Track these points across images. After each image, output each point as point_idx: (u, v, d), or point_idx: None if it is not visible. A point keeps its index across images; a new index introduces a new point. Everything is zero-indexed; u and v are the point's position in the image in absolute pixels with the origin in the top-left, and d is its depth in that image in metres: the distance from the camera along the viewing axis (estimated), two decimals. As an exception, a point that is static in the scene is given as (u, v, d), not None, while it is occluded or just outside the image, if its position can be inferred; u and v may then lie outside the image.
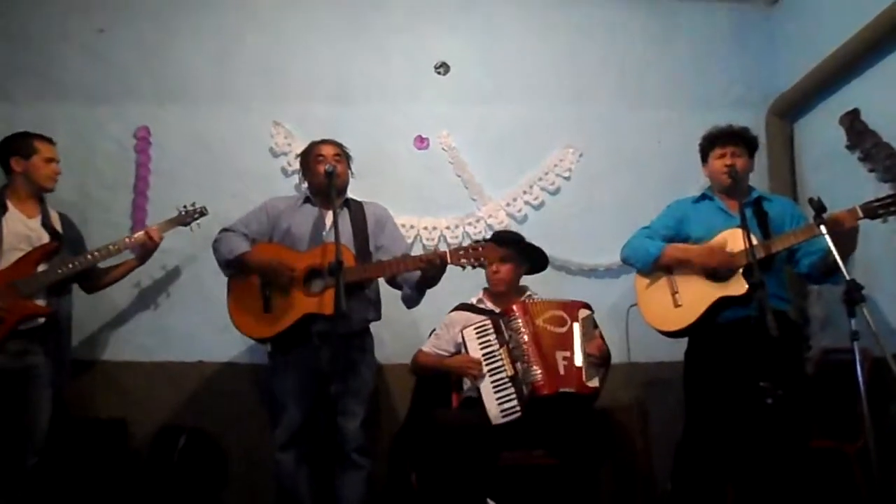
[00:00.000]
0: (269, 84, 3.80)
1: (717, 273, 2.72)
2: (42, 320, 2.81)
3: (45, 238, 2.91)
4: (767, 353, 2.36)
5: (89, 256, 2.96)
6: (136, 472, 3.24)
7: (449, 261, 2.67)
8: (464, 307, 3.12)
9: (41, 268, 2.85)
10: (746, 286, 2.60)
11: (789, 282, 2.89)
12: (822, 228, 2.34)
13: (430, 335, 3.16)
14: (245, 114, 3.77)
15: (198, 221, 3.31)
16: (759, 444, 2.52)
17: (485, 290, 3.17)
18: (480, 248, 2.68)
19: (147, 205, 3.67)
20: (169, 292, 3.62)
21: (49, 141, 3.00)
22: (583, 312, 2.93)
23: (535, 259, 3.18)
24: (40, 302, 2.82)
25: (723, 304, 2.69)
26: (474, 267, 2.68)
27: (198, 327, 3.55)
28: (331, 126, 3.61)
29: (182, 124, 3.75)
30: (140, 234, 3.14)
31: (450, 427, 2.72)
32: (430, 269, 2.70)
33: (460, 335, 2.94)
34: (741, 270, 2.65)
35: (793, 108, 3.76)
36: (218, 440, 3.36)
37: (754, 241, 2.52)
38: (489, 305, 3.09)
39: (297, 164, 3.64)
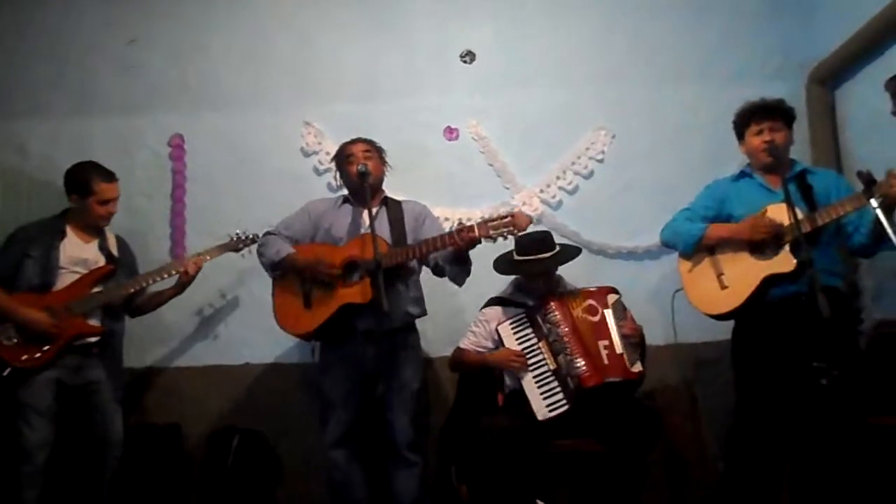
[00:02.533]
0: (297, 85, 3.83)
1: (765, 247, 2.64)
2: (96, 339, 2.93)
3: (102, 262, 3.02)
4: (820, 332, 2.31)
5: (140, 281, 3.06)
6: (192, 476, 3.33)
7: (478, 234, 2.62)
8: (496, 301, 3.09)
9: (96, 289, 2.97)
10: (794, 262, 2.56)
11: (839, 254, 2.80)
12: (873, 201, 2.27)
13: (467, 333, 3.12)
14: (275, 116, 3.80)
15: (249, 249, 3.33)
16: (816, 424, 2.45)
17: (515, 281, 3.13)
18: (509, 218, 2.62)
19: (185, 211, 3.75)
20: (214, 299, 3.70)
21: (110, 179, 3.01)
22: (611, 297, 2.90)
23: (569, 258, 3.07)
24: (94, 322, 2.93)
25: (771, 281, 2.63)
26: (505, 238, 2.64)
27: (243, 330, 3.62)
28: (359, 123, 3.61)
29: (214, 130, 3.80)
30: (178, 263, 3.19)
31: (495, 437, 2.68)
32: (462, 243, 2.65)
33: (496, 331, 2.92)
34: (788, 246, 2.59)
35: (833, 74, 3.62)
36: (270, 440, 3.41)
37: (800, 216, 2.45)
38: (522, 298, 3.04)
39: (328, 163, 3.69)
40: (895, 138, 3.17)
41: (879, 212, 2.25)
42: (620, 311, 2.89)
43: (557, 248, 2.98)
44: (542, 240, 2.98)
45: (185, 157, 3.78)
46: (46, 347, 2.81)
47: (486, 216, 3.55)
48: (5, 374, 2.75)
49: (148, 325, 3.55)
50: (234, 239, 3.34)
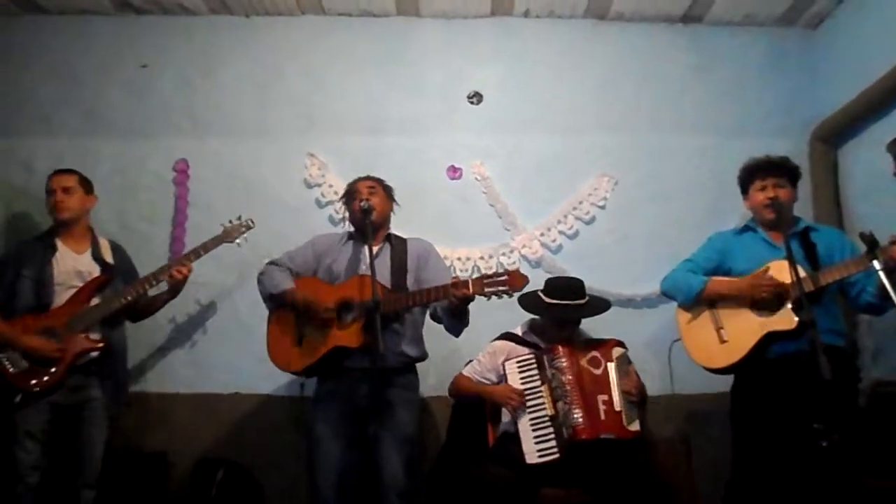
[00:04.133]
0: (304, 117, 3.86)
1: (765, 304, 2.64)
2: (97, 353, 2.89)
3: (96, 271, 2.98)
4: (820, 392, 2.29)
5: (137, 290, 2.99)
6: (176, 505, 3.25)
7: (471, 290, 2.58)
8: (508, 336, 3.07)
9: (94, 301, 2.93)
10: (796, 320, 2.55)
11: (841, 312, 2.79)
12: (876, 263, 2.27)
13: (471, 361, 3.10)
14: (280, 146, 3.82)
15: (245, 236, 3.21)
16: (815, 486, 2.41)
17: (531, 321, 3.11)
18: (506, 277, 2.58)
19: (185, 237, 3.72)
20: (206, 324, 3.66)
21: (60, 172, 3.04)
22: (616, 351, 2.87)
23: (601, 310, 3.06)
24: (94, 335, 2.90)
25: (771, 338, 2.62)
26: (500, 297, 2.61)
27: (235, 358, 3.57)
28: (364, 157, 3.67)
29: (219, 157, 3.81)
30: (169, 267, 3.06)
31: (487, 488, 2.64)
32: (454, 299, 2.62)
33: (502, 366, 2.90)
34: (789, 304, 2.58)
35: (837, 133, 3.67)
36: (255, 473, 3.35)
37: (802, 274, 2.45)
38: (535, 339, 3.03)
39: (331, 195, 3.71)
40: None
41: (882, 275, 2.25)
42: (625, 365, 2.86)
43: (587, 297, 2.98)
44: (575, 287, 2.99)
45: (189, 183, 3.78)
46: (53, 370, 2.77)
47: (484, 256, 3.66)
48: (17, 400, 2.73)
49: (140, 349, 3.53)
50: (229, 227, 3.19)
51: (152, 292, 3.11)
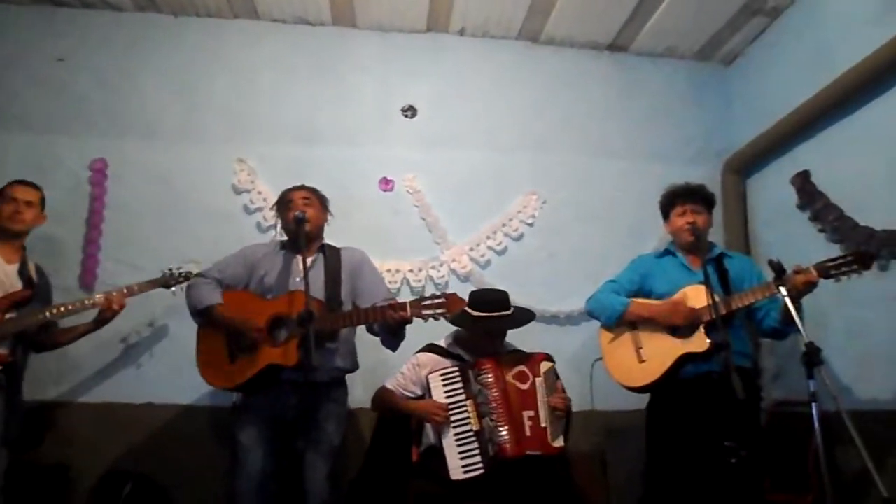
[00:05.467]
0: (234, 122, 3.78)
1: (680, 329, 2.77)
2: None
3: (19, 285, 2.81)
4: (730, 411, 2.42)
5: (60, 310, 2.83)
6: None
7: (408, 313, 2.61)
8: (433, 349, 3.05)
9: (9, 315, 2.74)
10: (708, 342, 2.69)
11: (748, 336, 2.96)
12: (782, 289, 2.43)
13: (396, 374, 3.05)
14: (208, 150, 3.72)
15: (181, 285, 3.07)
16: (720, 500, 2.54)
17: (456, 333, 3.10)
18: (443, 300, 2.62)
19: (100, 238, 3.57)
20: (113, 332, 3.44)
21: (21, 183, 2.90)
22: (544, 365, 2.89)
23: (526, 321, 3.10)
24: (2, 349, 2.70)
25: (685, 359, 2.75)
26: (436, 319, 2.64)
27: (148, 367, 3.45)
28: (296, 166, 3.61)
29: (141, 158, 3.67)
30: (108, 295, 2.93)
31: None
32: (392, 321, 2.65)
33: (426, 379, 2.86)
34: (702, 327, 2.72)
35: (746, 164, 3.91)
36: (167, 488, 3.22)
37: (716, 299, 2.59)
38: (459, 351, 3.02)
39: (259, 201, 3.64)
40: (799, 228, 3.45)
41: (788, 300, 2.40)
42: (552, 380, 2.89)
43: (512, 308, 3.00)
44: (500, 299, 3.00)
45: (107, 183, 3.62)
46: None
47: (414, 269, 3.67)
48: None
49: (43, 356, 3.27)
50: (167, 275, 3.10)
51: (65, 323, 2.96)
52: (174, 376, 3.33)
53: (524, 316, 3.06)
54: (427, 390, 2.85)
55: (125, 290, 2.97)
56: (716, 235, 3.64)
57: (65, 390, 3.41)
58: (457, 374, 2.84)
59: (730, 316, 2.68)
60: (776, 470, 3.02)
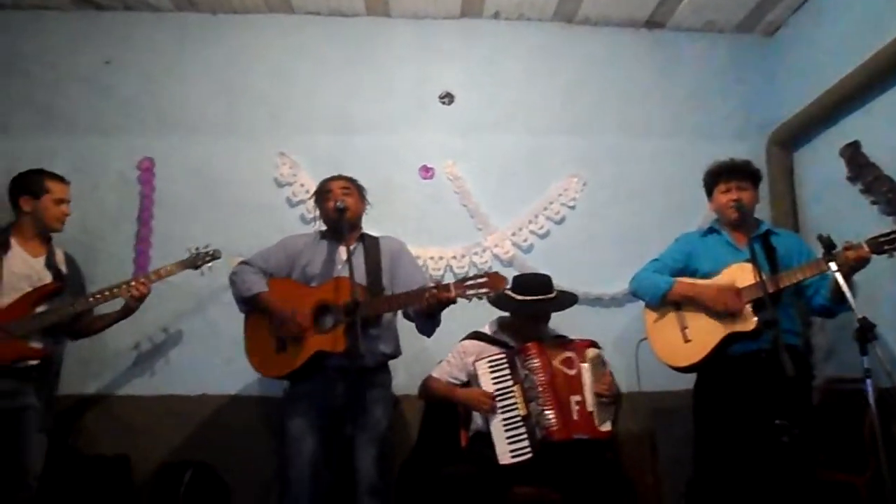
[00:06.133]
0: (274, 116, 3.83)
1: (724, 313, 2.73)
2: (35, 362, 2.75)
3: (48, 278, 2.86)
4: (780, 389, 2.39)
5: (89, 300, 2.88)
6: (142, 510, 3.21)
7: (453, 293, 2.63)
8: (478, 336, 3.08)
9: (40, 308, 2.80)
10: (755, 321, 2.65)
11: (797, 313, 2.91)
12: (832, 265, 2.37)
13: (441, 362, 3.11)
14: (250, 145, 3.78)
15: (209, 265, 3.16)
16: (772, 479, 2.52)
17: (500, 319, 3.13)
18: (486, 279, 2.63)
19: (151, 236, 3.67)
20: (173, 325, 3.61)
21: (62, 180, 2.96)
22: (591, 352, 2.90)
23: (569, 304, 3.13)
24: (35, 343, 2.76)
25: (732, 338, 2.71)
26: (480, 298, 2.66)
27: (202, 360, 3.54)
28: (336, 156, 3.65)
29: (186, 155, 3.76)
30: (129, 283, 2.95)
31: (456, 485, 2.65)
32: (434, 303, 2.66)
33: (473, 366, 2.90)
34: (750, 306, 2.68)
35: (793, 138, 3.81)
36: (223, 475, 3.32)
37: (763, 277, 2.55)
38: (505, 338, 3.05)
39: (302, 194, 3.69)
40: (848, 201, 3.35)
41: (839, 276, 2.35)
42: (599, 366, 2.90)
43: (556, 292, 3.02)
44: (543, 282, 3.03)
45: (154, 181, 3.71)
46: None
47: (456, 255, 3.69)
48: None
49: (98, 350, 3.47)
50: (194, 255, 3.12)
51: (103, 309, 3.01)
52: (227, 367, 3.42)
53: (567, 299, 3.07)
54: (474, 377, 2.88)
55: (152, 275, 3.00)
56: (762, 212, 3.56)
57: (126, 385, 3.53)
58: (504, 360, 2.86)
59: (778, 294, 2.64)
60: (830, 448, 2.96)
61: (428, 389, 3.06)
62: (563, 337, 3.06)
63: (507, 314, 3.11)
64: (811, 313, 2.92)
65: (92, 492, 3.09)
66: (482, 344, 3.03)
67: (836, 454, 2.95)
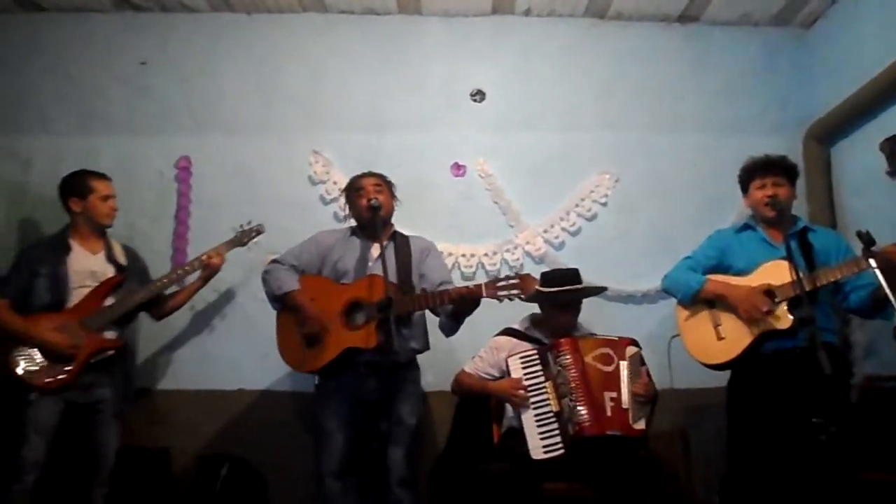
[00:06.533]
0: (307, 114, 3.88)
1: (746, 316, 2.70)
2: (111, 352, 2.93)
3: (110, 272, 3.01)
4: (816, 386, 2.36)
5: (154, 286, 3.08)
6: (180, 502, 3.28)
7: (484, 294, 2.65)
8: (510, 332, 3.10)
9: (108, 301, 2.97)
10: (791, 319, 2.61)
11: (834, 310, 2.86)
12: (872, 262, 2.33)
13: (473, 357, 3.12)
14: (284, 143, 3.84)
15: (255, 240, 3.36)
16: (809, 479, 2.48)
17: (532, 316, 3.15)
18: (517, 280, 2.65)
19: (188, 234, 3.75)
20: (211, 322, 3.69)
21: (104, 178, 3.09)
22: (630, 350, 2.89)
23: (597, 292, 3.20)
24: (109, 334, 2.94)
25: (766, 336, 2.68)
26: (511, 300, 2.66)
27: (239, 355, 3.61)
28: (368, 154, 3.68)
29: (222, 154, 3.83)
30: (201, 257, 3.20)
31: (489, 481, 2.68)
32: (464, 303, 2.70)
33: (505, 362, 2.91)
34: (785, 304, 2.64)
35: (830, 132, 3.74)
36: (260, 469, 3.39)
37: (800, 275, 2.51)
38: (537, 334, 3.06)
39: (335, 192, 3.72)
40: (889, 197, 3.29)
41: (879, 273, 2.30)
42: (637, 365, 2.89)
43: (584, 284, 3.06)
44: (571, 275, 3.06)
45: (191, 180, 3.79)
46: (68, 368, 2.80)
47: (488, 252, 3.70)
48: (33, 398, 2.76)
49: (141, 345, 3.55)
50: (240, 232, 3.34)
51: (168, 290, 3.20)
52: (262, 363, 3.48)
53: (595, 288, 3.13)
54: (506, 373, 2.89)
55: (204, 257, 3.19)
56: (798, 207, 3.50)
57: (165, 379, 3.62)
58: (535, 356, 2.87)
59: (815, 291, 2.59)
60: (870, 448, 2.91)
61: (461, 384, 3.08)
62: (595, 334, 3.06)
63: (539, 311, 3.12)
64: (848, 312, 2.86)
65: (134, 483, 3.17)
66: (514, 340, 3.04)
67: (877, 453, 2.90)
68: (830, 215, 3.70)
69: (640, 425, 2.77)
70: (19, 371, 2.77)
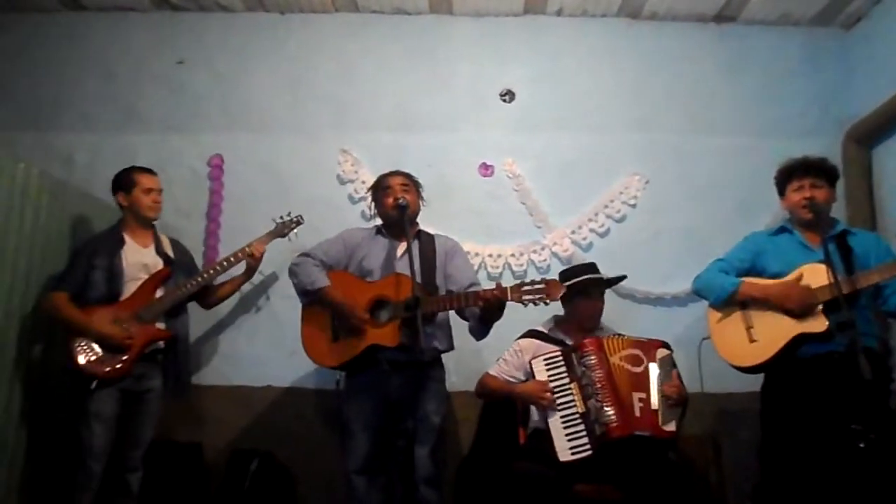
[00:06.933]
0: (336, 113, 3.90)
1: (797, 310, 2.64)
2: (163, 343, 3.02)
3: (160, 265, 3.10)
4: (855, 392, 2.30)
5: (200, 278, 3.15)
6: (211, 496, 3.32)
7: (509, 298, 2.63)
8: (534, 334, 3.07)
9: (159, 293, 3.05)
10: (826, 323, 2.55)
11: (873, 315, 2.78)
12: (914, 267, 2.27)
13: (498, 360, 3.09)
14: (314, 142, 3.87)
15: (295, 231, 3.42)
16: (848, 487, 2.41)
17: (556, 317, 3.13)
18: (543, 286, 2.63)
19: (220, 231, 3.79)
20: (240, 319, 3.73)
21: (148, 172, 3.17)
22: (661, 352, 2.84)
23: (619, 280, 3.21)
24: (160, 325, 3.02)
25: (801, 339, 2.62)
26: (536, 304, 2.64)
27: (267, 352, 3.64)
28: (396, 153, 3.69)
29: (253, 152, 3.87)
30: (244, 249, 3.28)
31: (530, 482, 2.63)
32: (490, 307, 2.69)
33: (529, 364, 2.88)
34: (821, 307, 2.58)
35: (871, 134, 3.65)
36: (287, 464, 3.41)
37: (838, 278, 2.45)
38: (561, 336, 3.04)
39: (363, 191, 3.74)
40: (931, 201, 3.19)
41: (920, 277, 2.24)
42: (668, 367, 2.84)
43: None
44: (590, 266, 3.10)
45: (223, 178, 3.84)
46: (125, 358, 2.89)
47: (515, 253, 3.68)
48: (93, 387, 2.84)
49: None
50: (280, 224, 3.41)
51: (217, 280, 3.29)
52: (290, 360, 3.48)
53: (614, 277, 3.13)
54: (531, 375, 2.86)
55: (246, 248, 3.27)
56: (837, 210, 3.40)
57: (198, 375, 3.64)
58: (560, 358, 2.83)
59: (854, 295, 2.53)
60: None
61: (485, 387, 3.06)
62: (621, 335, 3.01)
63: (562, 313, 3.10)
64: (888, 315, 2.78)
65: (169, 476, 3.24)
66: (538, 342, 3.02)
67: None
68: (871, 219, 3.61)
69: (671, 427, 2.72)
70: (81, 361, 2.85)
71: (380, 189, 3.03)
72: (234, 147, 3.87)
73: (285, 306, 3.49)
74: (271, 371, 3.63)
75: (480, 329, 2.89)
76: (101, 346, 2.88)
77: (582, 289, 2.98)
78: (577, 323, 3.04)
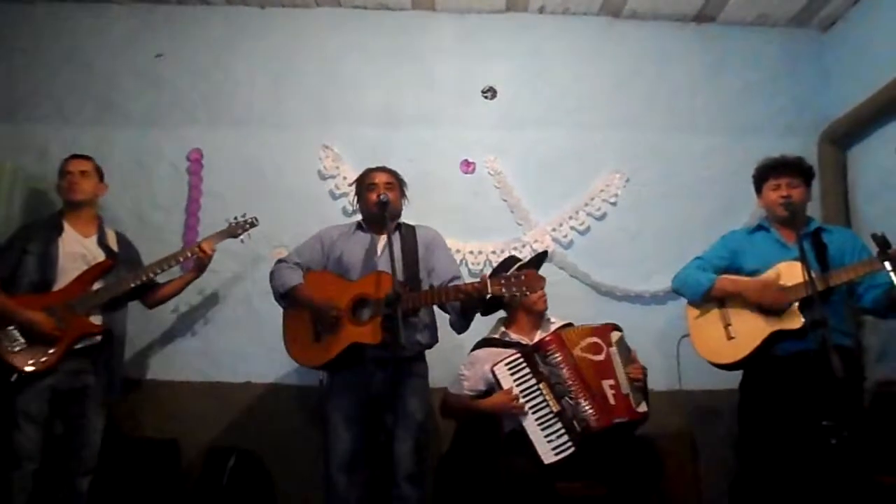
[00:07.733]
0: (318, 108, 3.88)
1: (770, 309, 2.68)
2: (98, 338, 2.90)
3: (101, 257, 2.99)
4: (828, 390, 2.33)
5: (144, 275, 3.03)
6: (187, 493, 3.28)
7: (489, 290, 2.59)
8: (487, 342, 3.04)
9: (96, 286, 2.93)
10: (802, 320, 2.59)
11: (848, 313, 2.83)
12: (888, 264, 2.30)
13: (457, 377, 3.04)
14: (295, 137, 3.84)
15: (248, 233, 3.29)
16: (821, 483, 2.45)
17: (501, 320, 3.10)
18: (523, 277, 2.58)
19: (198, 226, 3.74)
20: (218, 314, 3.68)
21: (74, 157, 3.10)
22: (615, 335, 2.86)
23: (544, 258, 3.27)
24: (95, 319, 2.90)
25: (777, 337, 2.66)
26: (516, 296, 2.61)
27: (246, 348, 3.60)
28: (378, 149, 3.67)
29: (233, 147, 3.83)
30: (192, 247, 3.15)
31: (518, 479, 2.61)
32: (471, 300, 2.68)
33: (490, 373, 2.82)
34: (797, 304, 2.62)
35: (846, 135, 3.70)
36: (265, 461, 3.38)
37: (812, 275, 2.48)
38: (515, 337, 3.01)
39: (344, 187, 3.72)
40: (905, 201, 3.25)
41: (894, 276, 2.27)
42: (625, 349, 2.86)
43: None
44: (512, 257, 3.14)
45: (203, 172, 3.80)
46: (51, 351, 2.77)
47: (496, 250, 3.68)
48: (13, 379, 2.70)
49: (150, 336, 3.59)
50: (233, 224, 3.26)
51: (163, 277, 3.16)
52: (269, 356, 3.44)
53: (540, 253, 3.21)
54: (495, 384, 2.81)
55: (195, 247, 3.13)
56: (813, 210, 3.46)
57: (174, 370, 3.60)
58: (521, 360, 2.80)
59: (828, 292, 2.57)
60: (883, 452, 2.87)
61: (450, 408, 3.02)
62: (571, 324, 3.01)
63: (506, 314, 3.10)
64: (862, 311, 2.83)
65: (144, 474, 3.18)
66: (494, 349, 2.97)
67: (889, 458, 2.86)
68: (845, 219, 3.66)
69: (643, 408, 2.76)
70: (1, 351, 2.71)
71: (364, 184, 3.02)
72: (214, 141, 3.83)
73: (264, 302, 3.42)
74: (251, 367, 3.59)
75: (461, 323, 2.88)
76: (26, 336, 2.74)
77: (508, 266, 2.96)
78: (526, 316, 3.02)
